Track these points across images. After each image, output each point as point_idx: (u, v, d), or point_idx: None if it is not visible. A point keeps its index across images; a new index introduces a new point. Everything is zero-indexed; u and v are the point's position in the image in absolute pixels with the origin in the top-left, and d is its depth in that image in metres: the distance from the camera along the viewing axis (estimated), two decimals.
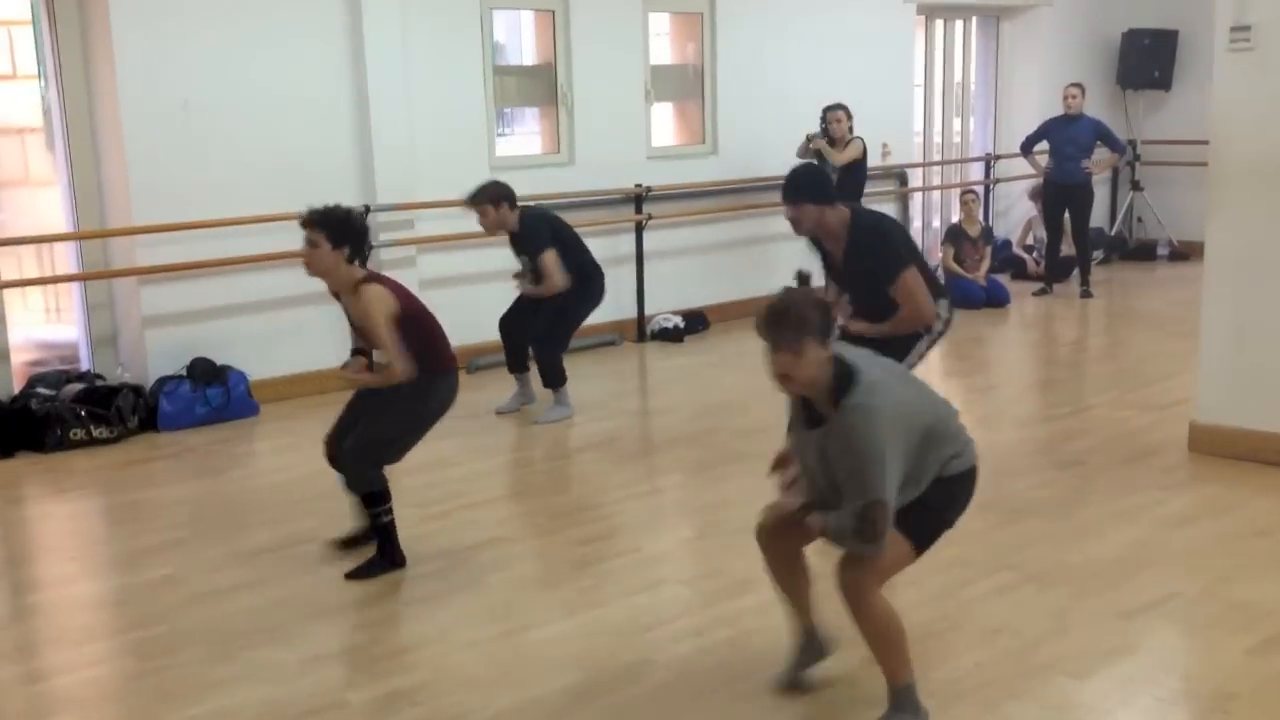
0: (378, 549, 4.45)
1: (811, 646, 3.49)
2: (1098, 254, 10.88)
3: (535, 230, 6.43)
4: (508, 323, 6.82)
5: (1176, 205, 11.64)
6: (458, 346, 7.66)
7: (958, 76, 11.39)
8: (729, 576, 4.23)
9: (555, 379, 6.63)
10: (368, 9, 7.18)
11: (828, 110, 8.68)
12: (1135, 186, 11.80)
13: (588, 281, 6.60)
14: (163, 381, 6.58)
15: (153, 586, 4.34)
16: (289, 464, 5.86)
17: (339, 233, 4.35)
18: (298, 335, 7.19)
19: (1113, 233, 11.87)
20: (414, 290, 7.35)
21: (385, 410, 4.38)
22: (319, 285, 7.08)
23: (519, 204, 6.47)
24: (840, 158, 8.55)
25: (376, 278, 4.43)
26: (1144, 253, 11.76)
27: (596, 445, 6.07)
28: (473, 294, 7.95)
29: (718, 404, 6.72)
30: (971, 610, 3.89)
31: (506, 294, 8.18)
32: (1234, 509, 4.70)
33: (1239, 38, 5.08)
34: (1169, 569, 4.17)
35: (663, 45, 9.19)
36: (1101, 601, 3.87)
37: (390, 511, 4.45)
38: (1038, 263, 10.59)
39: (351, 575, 4.37)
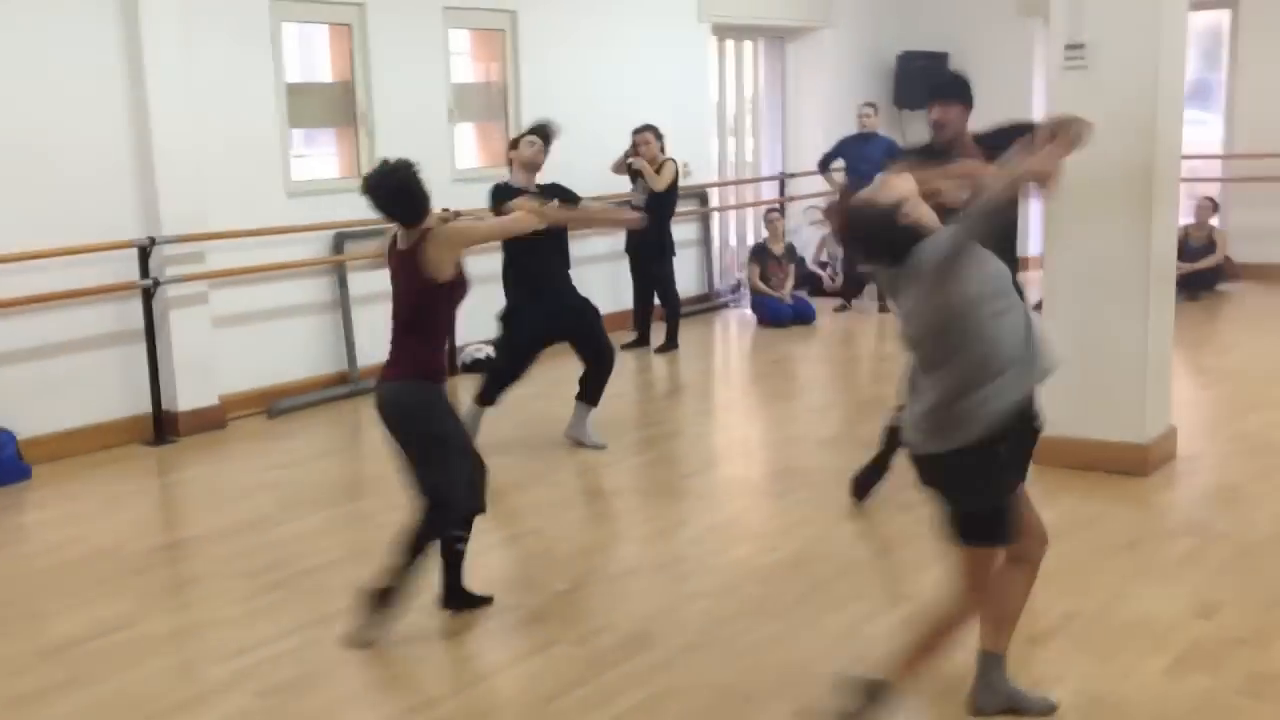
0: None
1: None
2: None
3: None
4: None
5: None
6: (255, 390, 7.18)
7: (749, 96, 11.48)
8: (621, 630, 3.91)
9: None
10: (145, 22, 6.49)
11: (636, 132, 8.52)
12: None
13: None
14: None
15: None
16: (79, 535, 5.15)
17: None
18: (73, 385, 6.40)
19: None
20: (208, 330, 6.88)
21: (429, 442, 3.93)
22: (96, 328, 6.48)
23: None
24: (661, 182, 8.40)
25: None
26: None
27: None
28: (272, 332, 7.35)
29: (553, 439, 6.36)
30: (882, 650, 3.68)
31: (321, 326, 7.63)
32: (1096, 521, 4.74)
33: (1073, 56, 5.17)
34: (1057, 589, 4.10)
35: (463, 63, 8.80)
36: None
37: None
38: (833, 279, 10.76)
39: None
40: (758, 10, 10.90)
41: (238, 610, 4.27)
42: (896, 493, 5.18)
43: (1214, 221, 10.44)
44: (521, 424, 6.83)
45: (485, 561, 4.61)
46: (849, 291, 10.20)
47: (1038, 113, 11.68)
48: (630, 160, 8.53)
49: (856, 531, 4.74)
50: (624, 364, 8.47)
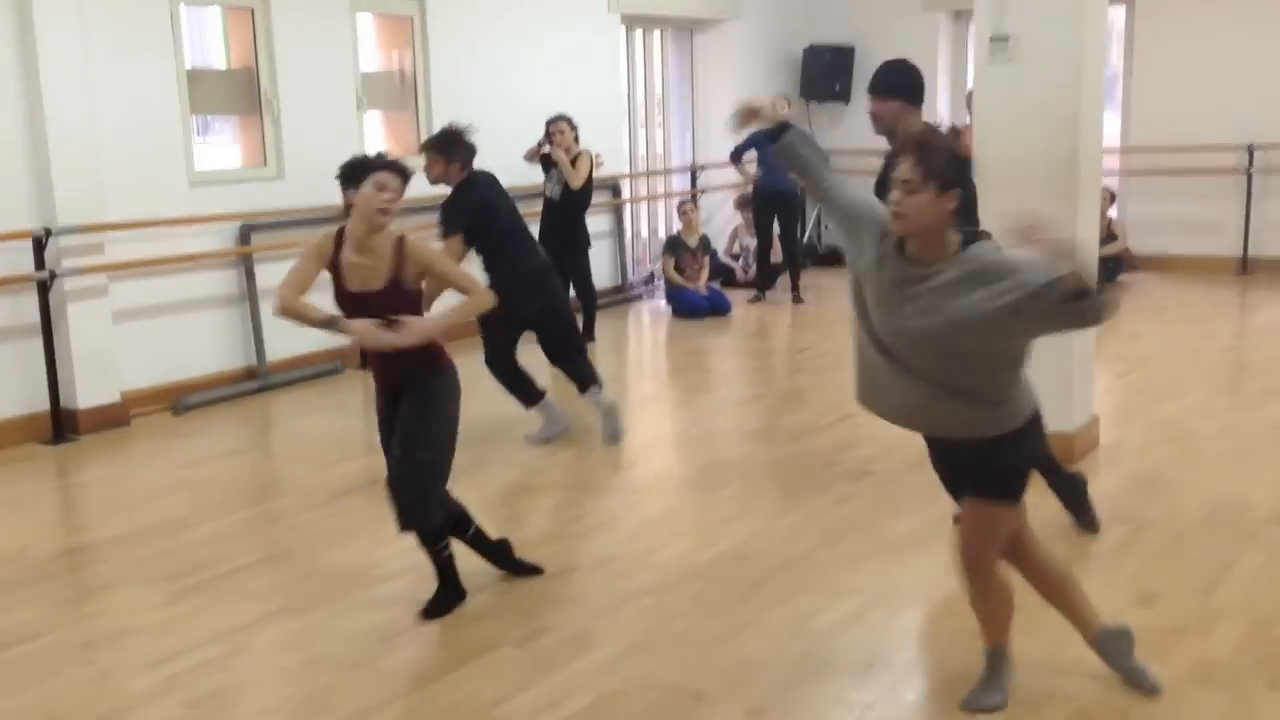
0: (441, 584, 4.00)
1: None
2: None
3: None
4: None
5: None
6: (159, 386, 6.89)
7: (658, 88, 11.42)
8: (563, 630, 3.81)
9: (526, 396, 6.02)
10: (38, 4, 6.15)
11: (550, 122, 8.38)
12: None
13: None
14: None
15: None
16: None
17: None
18: None
19: (804, 240, 12.28)
20: (108, 324, 6.57)
21: (425, 420, 3.79)
22: None
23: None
24: (578, 179, 8.27)
25: None
26: (834, 259, 12.25)
27: (357, 490, 5.44)
28: (176, 325, 7.07)
29: (474, 434, 6.21)
30: (832, 644, 3.67)
31: (227, 320, 7.37)
32: (1033, 509, 4.73)
33: (998, 49, 5.20)
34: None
35: (370, 50, 8.56)
36: (955, 621, 3.74)
37: (447, 545, 4.00)
38: (746, 270, 10.78)
39: (429, 614, 3.93)
40: (668, 1, 10.84)
41: (156, 617, 4.07)
42: (831, 485, 5.19)
43: (1111, 213, 10.71)
44: None
45: (415, 561, 4.47)
46: (764, 283, 10.21)
47: (942, 104, 11.86)
48: (546, 149, 8.40)
49: (792, 526, 4.71)
50: (542, 357, 8.34)
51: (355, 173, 3.77)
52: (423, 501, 3.84)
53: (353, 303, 3.77)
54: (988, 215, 5.30)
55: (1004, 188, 5.25)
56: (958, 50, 12.18)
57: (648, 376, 8.38)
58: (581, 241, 8.64)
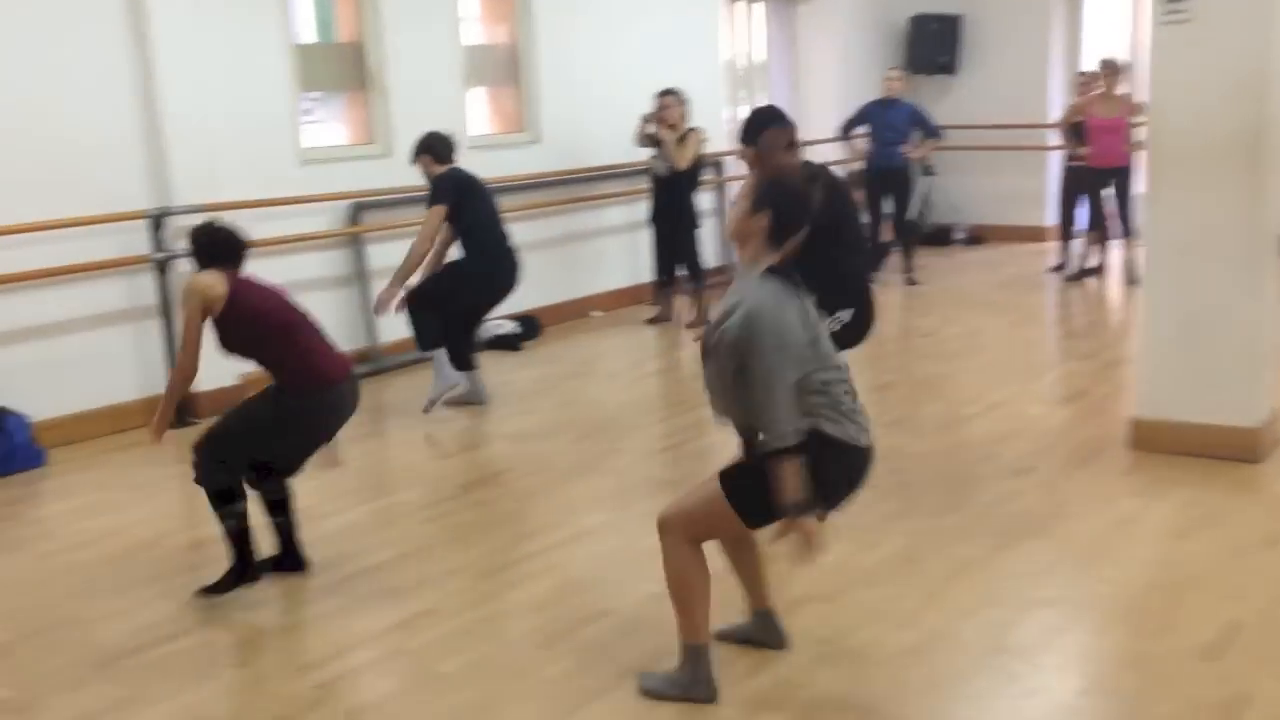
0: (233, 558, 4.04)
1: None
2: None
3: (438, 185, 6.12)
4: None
5: (969, 189, 11.79)
6: None
7: (759, 61, 11.08)
8: (738, 644, 3.55)
9: (425, 342, 6.24)
10: None
11: (660, 96, 8.09)
12: (928, 171, 11.82)
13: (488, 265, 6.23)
14: None
15: None
16: (110, 528, 4.76)
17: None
18: (86, 365, 6.00)
19: (908, 218, 11.88)
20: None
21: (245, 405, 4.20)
22: (107, 305, 6.04)
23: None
24: (684, 159, 7.99)
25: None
26: (940, 238, 11.84)
27: (489, 480, 5.24)
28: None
29: (600, 421, 6.00)
30: (1037, 663, 3.37)
31: (338, 302, 7.21)
32: (1223, 515, 4.39)
33: (1174, 9, 4.81)
34: (1211, 594, 3.74)
35: (472, 25, 8.33)
36: (1171, 641, 3.43)
37: (235, 516, 3.99)
38: None
39: (204, 591, 4.00)
40: None
41: (299, 615, 3.91)
42: (993, 482, 4.87)
43: None
44: (562, 404, 6.46)
45: (560, 559, 4.25)
46: (877, 263, 9.84)
47: (1054, 84, 11.36)
48: (651, 128, 8.11)
49: (960, 526, 4.40)
50: (651, 341, 8.12)
51: None
52: (202, 459, 4.02)
53: None
54: (1161, 193, 4.97)
55: (1179, 161, 4.91)
56: (1071, 20, 11.68)
57: None
58: (691, 220, 8.37)
